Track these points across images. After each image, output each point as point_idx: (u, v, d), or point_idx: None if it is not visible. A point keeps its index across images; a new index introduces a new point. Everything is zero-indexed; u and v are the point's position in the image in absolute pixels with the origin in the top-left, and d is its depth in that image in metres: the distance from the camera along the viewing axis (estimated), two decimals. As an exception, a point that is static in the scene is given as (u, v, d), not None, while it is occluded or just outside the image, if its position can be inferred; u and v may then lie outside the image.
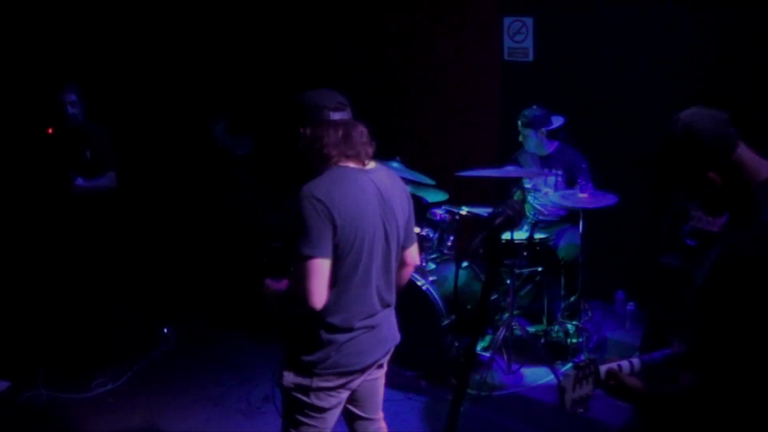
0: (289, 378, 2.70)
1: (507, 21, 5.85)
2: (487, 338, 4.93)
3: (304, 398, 2.68)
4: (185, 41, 6.30)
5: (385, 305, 2.89)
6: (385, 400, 4.44)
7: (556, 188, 5.02)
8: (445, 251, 4.85)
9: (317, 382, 2.65)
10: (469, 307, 4.74)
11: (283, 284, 2.72)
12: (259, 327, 5.27)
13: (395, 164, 5.13)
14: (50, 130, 4.61)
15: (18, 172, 5.04)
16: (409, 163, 5.18)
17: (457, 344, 4.59)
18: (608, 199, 4.62)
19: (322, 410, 2.71)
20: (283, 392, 2.75)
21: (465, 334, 4.60)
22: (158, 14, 6.26)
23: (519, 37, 5.81)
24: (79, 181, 4.43)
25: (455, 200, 5.14)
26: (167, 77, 6.30)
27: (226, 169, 5.94)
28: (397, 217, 2.76)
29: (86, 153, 4.50)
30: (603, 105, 5.46)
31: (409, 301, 4.65)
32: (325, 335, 2.62)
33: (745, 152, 1.99)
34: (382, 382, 3.01)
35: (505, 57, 5.93)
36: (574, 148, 5.10)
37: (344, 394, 2.76)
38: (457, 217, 4.80)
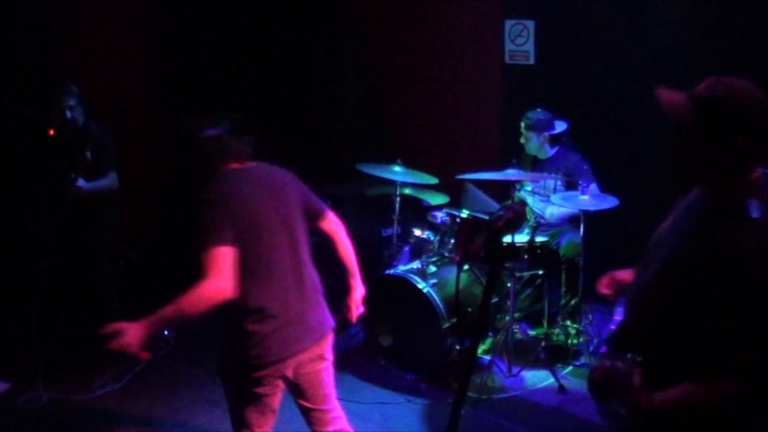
0: (226, 370, 2.93)
1: (508, 24, 5.86)
2: (488, 341, 4.93)
3: (243, 387, 2.87)
4: (185, 42, 6.31)
5: (306, 294, 3.04)
6: (385, 403, 4.48)
7: (555, 192, 5.03)
8: (446, 254, 4.84)
9: (249, 372, 2.82)
10: (469, 310, 4.74)
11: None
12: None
13: (397, 167, 5.14)
14: (52, 132, 4.61)
15: (20, 173, 5.05)
16: (410, 166, 5.19)
17: (457, 347, 4.59)
18: (610, 202, 4.63)
19: (261, 396, 2.88)
20: (224, 384, 2.96)
21: (466, 337, 4.60)
22: (158, 15, 6.27)
23: (520, 40, 5.81)
24: (80, 182, 4.43)
25: (456, 203, 5.14)
26: (168, 78, 6.31)
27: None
28: (290, 202, 2.98)
29: (87, 154, 4.50)
30: (604, 108, 5.46)
31: (410, 303, 4.66)
32: (248, 327, 2.79)
33: None
34: (326, 374, 3.10)
35: (506, 60, 5.93)
36: (575, 151, 5.10)
37: (279, 382, 2.91)
38: (457, 219, 4.79)
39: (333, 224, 3.28)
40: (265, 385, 2.86)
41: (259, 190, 2.91)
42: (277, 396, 2.96)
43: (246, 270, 2.73)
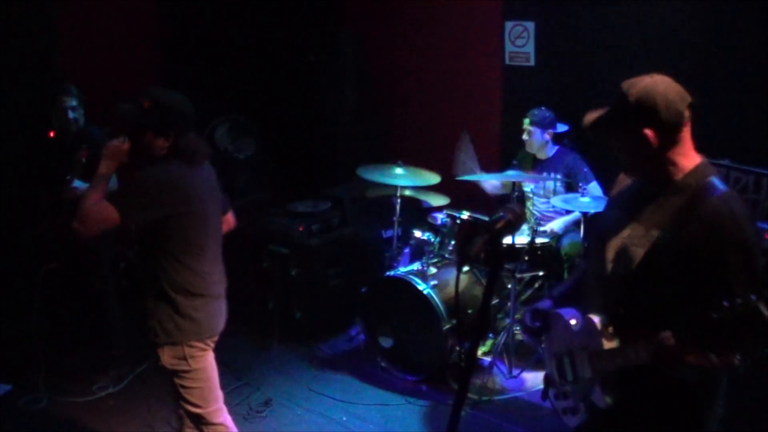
0: (166, 353, 3.04)
1: (508, 25, 5.86)
2: (488, 342, 4.93)
3: (185, 367, 3.06)
4: (186, 44, 6.31)
5: (225, 279, 3.26)
6: (386, 405, 4.49)
7: (555, 193, 5.03)
8: (446, 255, 4.85)
9: (188, 349, 3.04)
10: (469, 311, 4.74)
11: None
12: (258, 331, 5.28)
13: (398, 168, 5.14)
14: (52, 134, 4.61)
15: (20, 176, 5.05)
16: (411, 167, 5.19)
17: (458, 348, 4.59)
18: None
19: (202, 371, 3.11)
20: (166, 370, 3.08)
21: (466, 339, 4.60)
22: (159, 17, 6.28)
23: (520, 42, 5.82)
24: (77, 183, 4.43)
25: (456, 204, 5.14)
26: (168, 80, 6.31)
27: (226, 172, 5.94)
28: (215, 194, 3.18)
29: (82, 155, 4.48)
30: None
31: (410, 305, 4.66)
32: (185, 304, 3.02)
33: (687, 137, 2.17)
34: None
35: (506, 61, 5.93)
36: (575, 152, 5.11)
37: (211, 354, 3.15)
38: (458, 221, 4.80)
39: (231, 221, 3.45)
40: (202, 357, 3.11)
41: (206, 184, 3.12)
42: (214, 369, 3.19)
43: (192, 248, 3.02)
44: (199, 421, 3.18)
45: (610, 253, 2.26)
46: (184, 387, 3.10)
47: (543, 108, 5.06)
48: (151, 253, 3.03)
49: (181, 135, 3.01)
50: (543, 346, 2.61)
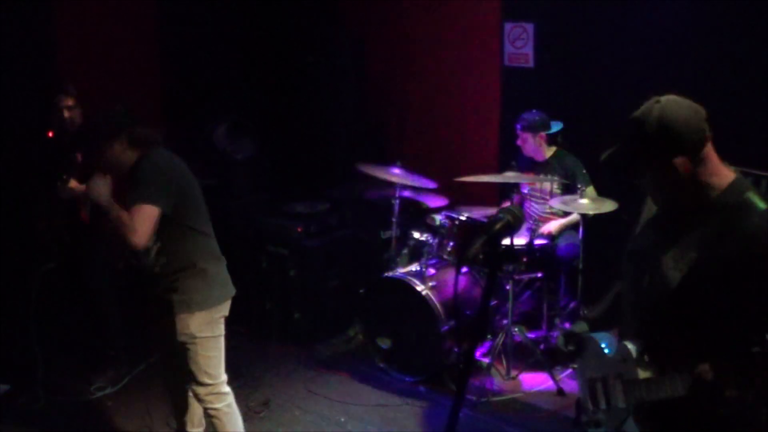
0: (196, 320, 3.24)
1: (507, 27, 5.86)
2: (486, 344, 4.93)
3: (209, 334, 3.30)
4: (185, 44, 6.31)
5: None
6: (384, 406, 4.48)
7: (552, 195, 5.03)
8: (445, 256, 4.85)
9: (217, 314, 3.32)
10: (468, 312, 4.74)
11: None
12: (256, 331, 5.28)
13: (396, 169, 5.14)
14: (51, 134, 4.61)
15: (19, 176, 5.04)
16: (410, 168, 5.19)
17: (456, 350, 4.59)
18: (608, 206, 4.63)
19: (221, 336, 3.37)
20: (188, 343, 3.26)
21: (464, 340, 4.60)
22: (158, 17, 6.27)
23: (519, 43, 5.82)
24: (73, 183, 4.42)
25: (455, 205, 5.14)
26: (167, 81, 6.31)
27: (225, 173, 5.93)
28: None
29: (77, 155, 4.47)
30: (603, 111, 5.45)
31: (409, 306, 4.66)
32: (215, 270, 3.34)
33: (712, 153, 2.06)
34: None
35: (506, 63, 5.94)
36: (572, 153, 5.11)
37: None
38: (456, 222, 4.80)
39: None
40: (222, 323, 3.38)
41: (188, 171, 3.37)
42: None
43: (196, 226, 3.28)
44: (211, 394, 3.37)
45: (646, 278, 2.17)
46: (205, 356, 3.30)
47: (534, 111, 5.06)
48: (175, 235, 3.23)
49: (131, 130, 3.24)
50: (576, 368, 2.56)
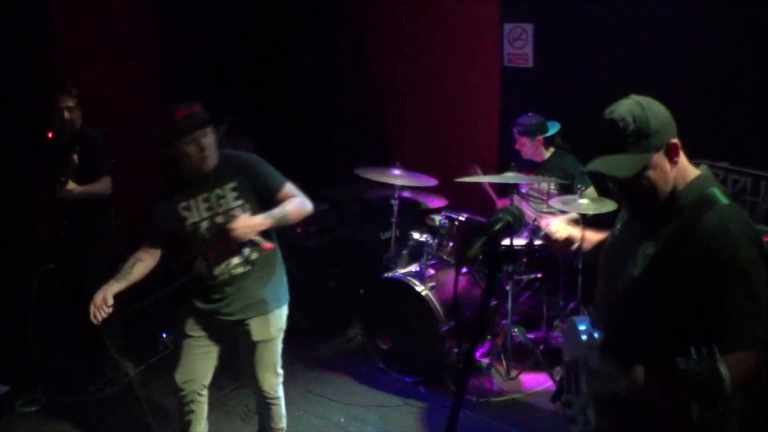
0: (277, 316, 3.42)
1: (507, 27, 5.86)
2: (486, 344, 4.92)
3: (284, 324, 3.50)
4: (185, 45, 6.31)
5: None
6: (384, 406, 4.48)
7: (550, 196, 5.03)
8: (444, 257, 4.85)
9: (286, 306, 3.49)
10: (467, 313, 4.74)
11: None
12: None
13: (396, 170, 5.14)
14: (50, 134, 4.60)
15: (18, 177, 5.04)
16: (409, 169, 5.19)
17: (455, 350, 4.59)
18: (608, 206, 4.62)
19: None
20: (277, 335, 3.45)
21: (464, 340, 4.60)
22: (157, 18, 6.27)
23: (519, 43, 5.82)
24: (71, 185, 4.42)
25: (454, 206, 5.14)
26: (166, 82, 6.31)
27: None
28: None
29: (74, 156, 4.47)
30: (602, 111, 5.45)
31: (408, 306, 4.66)
32: (281, 269, 3.47)
33: (679, 148, 2.06)
34: None
35: (505, 63, 5.94)
36: (571, 154, 5.11)
37: None
38: (456, 223, 4.80)
39: None
40: None
41: None
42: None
43: None
44: (280, 384, 3.57)
45: (611, 271, 2.20)
46: (280, 346, 3.50)
47: (530, 114, 5.07)
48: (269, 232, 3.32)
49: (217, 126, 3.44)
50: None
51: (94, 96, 4.85)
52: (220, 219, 3.21)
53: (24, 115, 5.18)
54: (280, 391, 3.58)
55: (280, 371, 3.55)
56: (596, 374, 2.14)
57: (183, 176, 3.21)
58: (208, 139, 3.17)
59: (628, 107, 2.06)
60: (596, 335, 2.20)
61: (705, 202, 2.00)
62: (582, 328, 2.35)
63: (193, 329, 3.39)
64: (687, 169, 2.08)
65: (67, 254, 4.69)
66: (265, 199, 3.26)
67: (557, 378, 2.58)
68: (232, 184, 3.23)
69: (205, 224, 3.23)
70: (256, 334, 3.37)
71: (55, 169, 4.49)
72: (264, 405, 3.58)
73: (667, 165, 2.02)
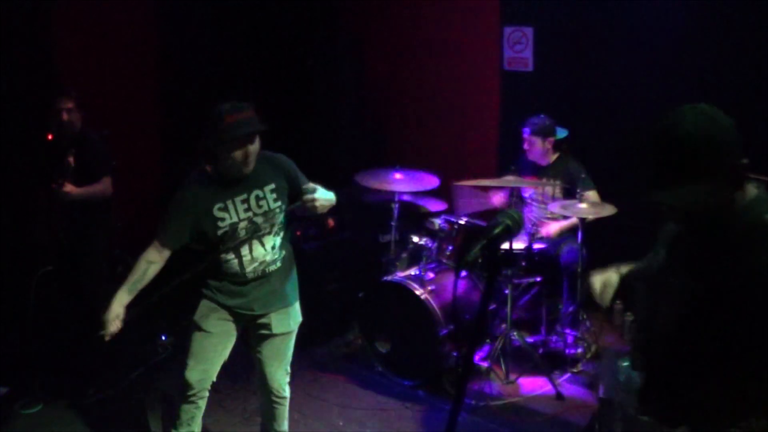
0: (296, 309, 3.50)
1: (507, 31, 5.87)
2: (485, 348, 4.92)
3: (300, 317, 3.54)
4: (184, 47, 6.31)
5: None
6: (383, 409, 4.48)
7: (554, 199, 5.03)
8: (444, 260, 4.85)
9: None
10: (467, 316, 4.74)
11: None
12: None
13: (395, 173, 5.14)
14: (50, 136, 4.61)
15: (18, 178, 5.05)
16: (409, 171, 5.19)
17: (455, 354, 4.58)
18: (608, 210, 4.63)
19: None
20: (295, 329, 3.49)
21: (463, 344, 4.60)
22: (157, 19, 6.28)
23: (519, 47, 5.83)
24: (69, 187, 4.42)
25: (454, 209, 5.14)
26: (166, 82, 6.31)
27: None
28: None
29: (71, 158, 4.47)
30: (602, 115, 5.46)
31: (408, 310, 4.66)
32: (295, 265, 3.53)
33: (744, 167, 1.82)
34: None
35: (505, 66, 5.95)
36: (574, 159, 5.11)
37: None
38: (455, 226, 4.80)
39: None
40: None
41: None
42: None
43: None
44: (288, 382, 3.54)
45: (652, 302, 2.02)
46: (293, 342, 3.50)
47: (542, 116, 5.06)
48: (287, 226, 3.36)
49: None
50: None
51: (93, 97, 4.85)
52: (259, 220, 3.21)
53: (23, 117, 5.18)
54: (288, 391, 3.56)
55: (289, 370, 3.54)
56: (635, 425, 2.02)
57: (221, 178, 3.18)
58: (256, 146, 3.16)
59: (694, 122, 1.76)
60: (635, 378, 2.07)
61: (764, 228, 1.76)
62: (622, 364, 2.28)
63: (212, 326, 3.36)
64: (744, 187, 1.83)
65: (65, 256, 4.69)
66: (293, 198, 3.30)
67: (591, 415, 2.47)
68: (271, 186, 3.25)
69: (242, 225, 3.20)
70: (277, 327, 3.38)
71: (55, 170, 4.49)
72: (270, 405, 3.55)
73: (732, 188, 1.79)
